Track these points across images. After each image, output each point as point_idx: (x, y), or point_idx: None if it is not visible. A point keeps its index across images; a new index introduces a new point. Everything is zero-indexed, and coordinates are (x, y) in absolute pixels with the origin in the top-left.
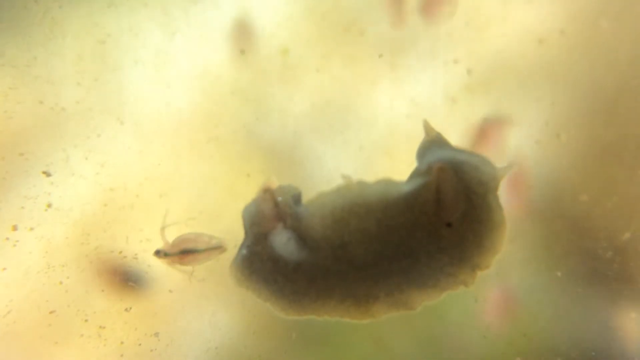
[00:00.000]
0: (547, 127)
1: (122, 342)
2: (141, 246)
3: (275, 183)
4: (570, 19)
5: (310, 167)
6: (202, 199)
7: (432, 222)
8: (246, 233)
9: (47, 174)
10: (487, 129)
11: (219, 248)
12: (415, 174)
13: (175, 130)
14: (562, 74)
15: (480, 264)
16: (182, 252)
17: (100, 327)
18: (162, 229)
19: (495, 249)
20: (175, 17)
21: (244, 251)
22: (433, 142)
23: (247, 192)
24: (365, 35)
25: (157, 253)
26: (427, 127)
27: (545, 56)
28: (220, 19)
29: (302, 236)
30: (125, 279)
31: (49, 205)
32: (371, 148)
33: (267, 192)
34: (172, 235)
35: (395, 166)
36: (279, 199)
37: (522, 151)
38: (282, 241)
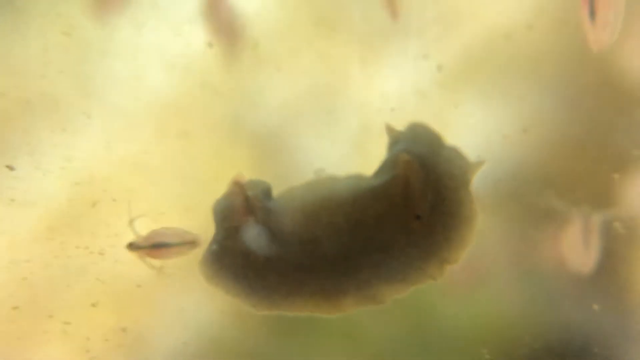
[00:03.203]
0: (515, 121)
1: (88, 338)
2: (108, 241)
3: (245, 177)
4: (537, 14)
5: (283, 161)
6: (173, 193)
7: (401, 215)
8: (217, 228)
9: (11, 168)
10: None
11: (192, 243)
12: (384, 167)
13: (144, 123)
14: (530, 70)
15: (449, 257)
16: (154, 246)
17: (65, 323)
18: (130, 221)
19: (464, 243)
20: (144, 9)
21: (214, 246)
22: (404, 135)
23: (217, 187)
24: (337, 30)
25: (130, 246)
26: (389, 129)
27: (513, 51)
28: (190, 11)
29: (272, 231)
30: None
31: (13, 200)
32: (344, 142)
33: (237, 186)
34: (143, 230)
35: (369, 161)
36: (250, 193)
37: (490, 146)
38: (253, 235)
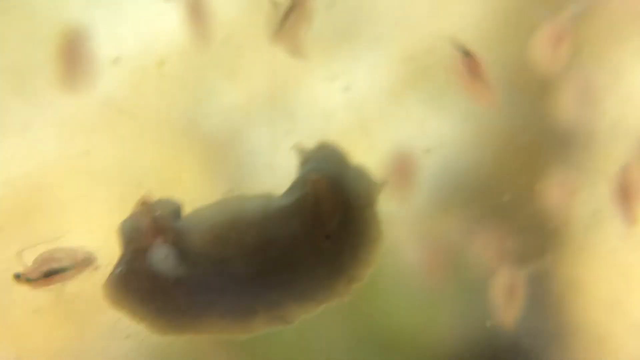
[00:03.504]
0: (469, 123)
1: None
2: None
3: (153, 197)
4: (486, 19)
5: (196, 184)
6: (74, 214)
7: (311, 234)
8: (123, 250)
9: None
10: None
11: (88, 262)
12: (294, 186)
13: (44, 141)
14: (436, 91)
15: (356, 276)
16: (47, 274)
17: None
18: (19, 251)
19: (369, 262)
20: None
21: (120, 269)
22: (313, 154)
23: (123, 208)
24: (245, 48)
25: (17, 277)
26: (298, 149)
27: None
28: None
29: (182, 251)
30: None
31: None
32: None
33: (145, 206)
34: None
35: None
36: (158, 213)
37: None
38: (161, 257)
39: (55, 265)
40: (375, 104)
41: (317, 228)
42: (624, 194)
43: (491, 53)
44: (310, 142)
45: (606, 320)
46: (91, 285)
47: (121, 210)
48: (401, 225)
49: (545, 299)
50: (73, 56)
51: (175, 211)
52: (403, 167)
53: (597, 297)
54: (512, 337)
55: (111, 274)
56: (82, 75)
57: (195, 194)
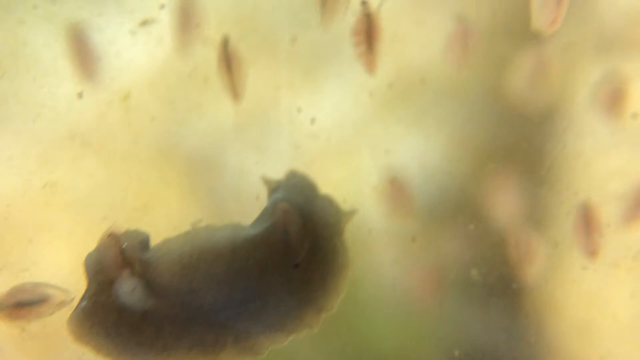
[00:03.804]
0: (434, 153)
1: None
2: None
3: (120, 228)
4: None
5: (159, 217)
6: (38, 246)
7: (280, 263)
8: (89, 283)
9: None
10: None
11: (58, 299)
12: (263, 216)
13: (5, 175)
14: (446, 106)
15: (325, 305)
16: (17, 305)
17: None
18: None
19: (339, 291)
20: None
21: (85, 302)
22: (282, 183)
23: (88, 241)
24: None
25: None
26: (266, 180)
27: (429, 94)
28: (56, 60)
29: (149, 283)
30: None
31: None
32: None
33: (112, 238)
34: (2, 286)
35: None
36: (125, 244)
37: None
38: (128, 290)
39: (27, 297)
40: (340, 135)
41: (286, 257)
42: (584, 227)
43: (456, 87)
44: (278, 172)
45: (577, 346)
46: (55, 320)
47: (87, 242)
48: (383, 247)
49: (515, 326)
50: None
51: (143, 242)
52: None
53: (564, 324)
54: None
55: (75, 308)
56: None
57: (163, 224)
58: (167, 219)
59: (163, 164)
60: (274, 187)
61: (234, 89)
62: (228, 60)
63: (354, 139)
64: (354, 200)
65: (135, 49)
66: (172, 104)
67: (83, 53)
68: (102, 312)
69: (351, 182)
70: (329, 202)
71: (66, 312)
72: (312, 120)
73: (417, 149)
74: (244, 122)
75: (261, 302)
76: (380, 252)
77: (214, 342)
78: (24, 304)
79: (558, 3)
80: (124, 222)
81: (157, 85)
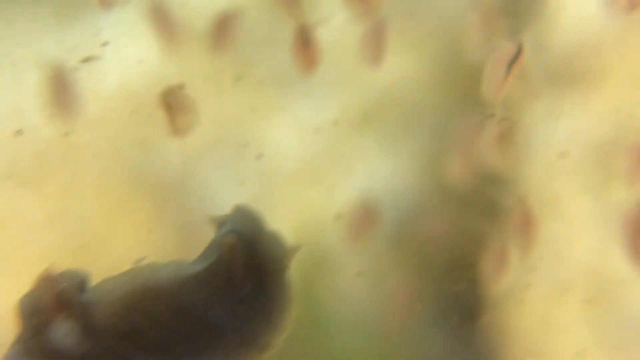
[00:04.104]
0: (374, 191)
1: None
2: None
3: (59, 268)
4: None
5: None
6: None
7: (225, 299)
8: (23, 326)
9: None
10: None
11: None
12: (208, 251)
13: None
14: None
15: (269, 343)
16: None
17: None
18: None
19: (282, 328)
20: None
21: (18, 347)
22: (228, 218)
23: (23, 283)
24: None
25: None
26: (212, 217)
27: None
28: None
29: (87, 326)
30: None
31: None
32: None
33: (48, 279)
34: None
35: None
36: (62, 285)
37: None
38: (63, 333)
39: None
40: (286, 170)
41: (231, 292)
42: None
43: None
44: (223, 208)
45: None
46: None
47: (20, 286)
48: (329, 281)
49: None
50: None
51: (81, 283)
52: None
53: (523, 346)
54: None
55: (6, 353)
56: None
57: (105, 263)
58: (109, 257)
59: (105, 202)
60: (221, 222)
61: (178, 126)
62: (172, 97)
63: (300, 174)
64: (300, 235)
65: (77, 85)
66: (114, 141)
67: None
68: (36, 356)
69: (297, 217)
70: (275, 237)
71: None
72: (259, 156)
73: (362, 184)
74: (189, 158)
75: (206, 341)
76: (327, 285)
77: None
78: None
79: (507, 74)
80: (64, 262)
81: (99, 122)
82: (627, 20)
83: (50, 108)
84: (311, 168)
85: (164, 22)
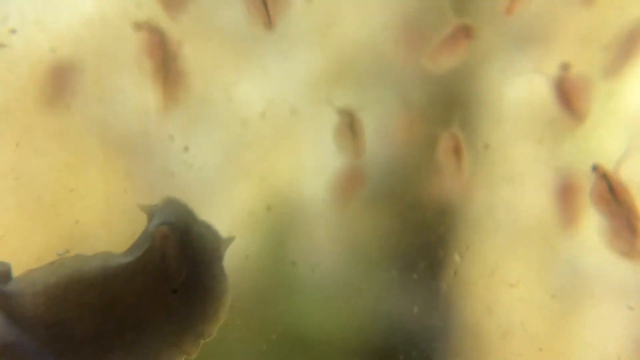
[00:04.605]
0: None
1: None
2: None
3: None
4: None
5: None
6: None
7: (157, 290)
8: None
9: None
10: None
11: None
12: (138, 242)
13: None
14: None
15: (204, 332)
16: None
17: None
18: None
19: (218, 318)
20: None
21: None
22: (159, 209)
23: None
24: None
25: None
26: (142, 207)
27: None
28: None
29: (11, 316)
30: None
31: None
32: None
33: None
34: None
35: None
36: None
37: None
38: None
39: None
40: (214, 162)
41: (164, 283)
42: None
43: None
44: (150, 200)
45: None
46: None
47: None
48: (259, 273)
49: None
50: None
51: (3, 273)
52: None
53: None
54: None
55: None
56: None
57: (24, 255)
58: (28, 250)
59: (22, 193)
60: (150, 213)
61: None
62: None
63: (228, 166)
64: (230, 227)
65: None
66: (29, 132)
67: None
68: None
69: (227, 209)
70: (207, 228)
71: None
72: (185, 148)
73: (292, 176)
74: (110, 150)
75: (137, 331)
76: (256, 277)
77: None
78: None
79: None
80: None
81: (13, 112)
82: None
83: None
84: (240, 160)
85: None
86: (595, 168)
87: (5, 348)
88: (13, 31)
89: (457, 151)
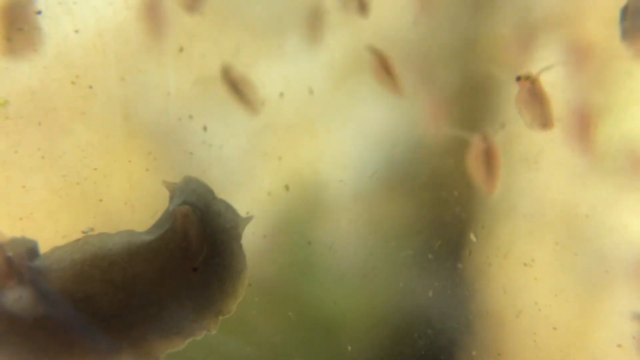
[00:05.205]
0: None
1: None
2: None
3: (5, 237)
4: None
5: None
6: None
7: (179, 268)
8: None
9: None
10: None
11: None
12: (161, 221)
13: None
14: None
15: (223, 309)
16: None
17: None
18: None
19: (236, 295)
20: None
21: None
22: (180, 189)
23: None
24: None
25: None
26: (165, 183)
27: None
28: None
29: (40, 291)
30: None
31: None
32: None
33: None
34: None
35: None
36: (9, 253)
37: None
38: (15, 298)
39: None
40: (233, 142)
41: (185, 261)
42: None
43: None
44: (171, 179)
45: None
46: None
47: None
48: (278, 252)
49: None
50: None
51: (31, 250)
52: None
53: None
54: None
55: None
56: None
57: (51, 233)
58: (54, 227)
59: (48, 171)
60: (171, 192)
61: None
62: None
63: (247, 146)
64: (249, 206)
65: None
66: (54, 112)
67: None
68: None
69: (245, 188)
70: (226, 207)
71: None
72: (204, 128)
73: (310, 156)
74: (133, 129)
75: (159, 307)
76: (274, 256)
77: (109, 348)
78: None
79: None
80: (9, 232)
81: (38, 92)
82: None
83: None
84: (258, 140)
85: None
86: (519, 78)
87: (35, 322)
88: (38, 12)
89: (489, 157)
